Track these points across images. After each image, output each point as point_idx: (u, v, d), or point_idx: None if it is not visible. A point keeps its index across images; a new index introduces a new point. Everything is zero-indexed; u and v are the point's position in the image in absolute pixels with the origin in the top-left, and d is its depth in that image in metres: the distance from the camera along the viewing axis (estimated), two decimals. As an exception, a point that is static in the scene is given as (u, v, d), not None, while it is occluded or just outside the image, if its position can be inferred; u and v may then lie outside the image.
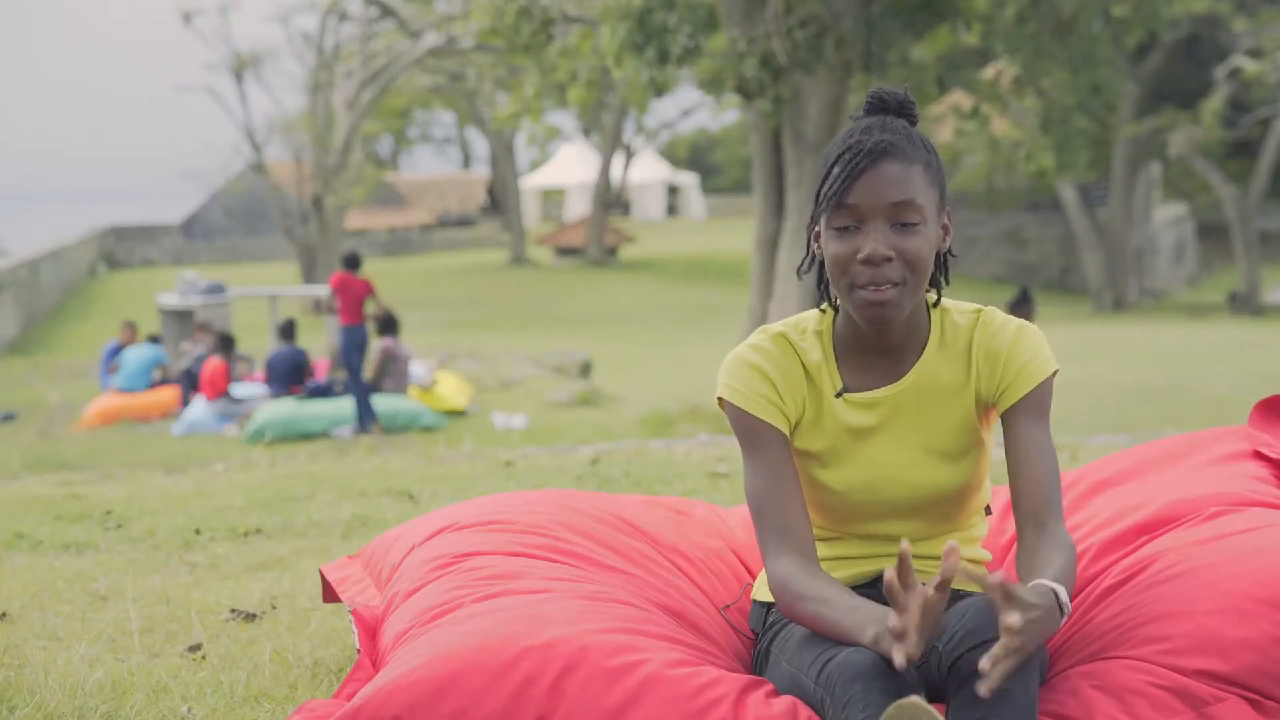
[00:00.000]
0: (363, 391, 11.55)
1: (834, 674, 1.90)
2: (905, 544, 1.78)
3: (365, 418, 11.48)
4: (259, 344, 17.29)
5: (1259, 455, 2.66)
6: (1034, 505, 2.08)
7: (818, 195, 2.10)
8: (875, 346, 2.18)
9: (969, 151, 20.80)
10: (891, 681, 1.85)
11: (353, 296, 11.64)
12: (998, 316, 2.19)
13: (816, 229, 2.14)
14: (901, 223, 2.04)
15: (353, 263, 11.84)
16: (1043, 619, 1.80)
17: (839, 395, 2.19)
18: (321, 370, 13.48)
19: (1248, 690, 1.93)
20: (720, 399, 2.19)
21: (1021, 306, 9.37)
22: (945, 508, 2.23)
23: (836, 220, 2.07)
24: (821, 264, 2.19)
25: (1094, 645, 2.10)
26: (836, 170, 2.06)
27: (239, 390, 12.77)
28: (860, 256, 2.04)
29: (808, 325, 2.23)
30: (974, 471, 2.23)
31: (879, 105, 2.14)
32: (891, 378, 2.19)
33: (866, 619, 1.92)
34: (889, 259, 2.03)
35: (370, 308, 11.88)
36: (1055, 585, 1.90)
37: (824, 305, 2.24)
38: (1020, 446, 2.12)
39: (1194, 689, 1.92)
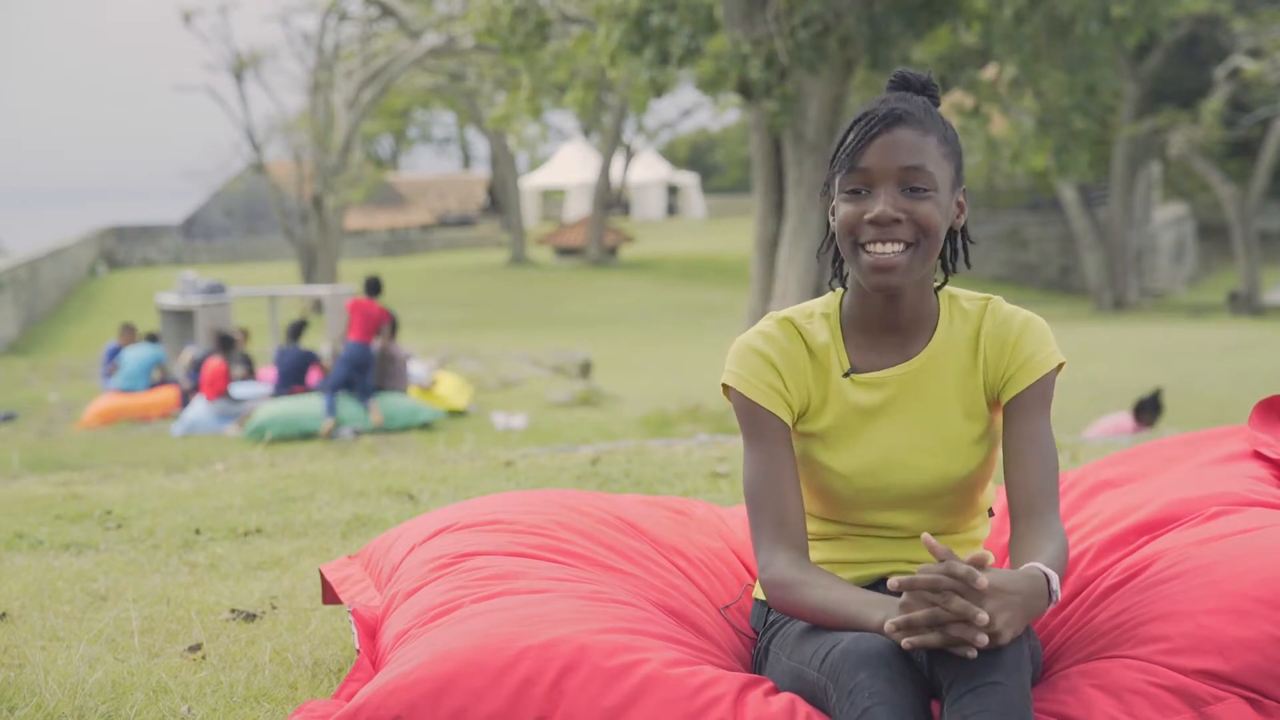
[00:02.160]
0: (330, 390, 11.84)
1: (838, 661, 1.90)
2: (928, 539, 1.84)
3: (330, 410, 11.80)
4: (259, 344, 17.29)
5: (1259, 455, 2.66)
6: (1028, 496, 2.08)
7: (832, 159, 2.11)
8: (883, 325, 2.18)
9: (968, 151, 20.80)
10: (897, 669, 1.85)
11: (366, 319, 11.89)
12: (1005, 305, 2.20)
13: (832, 203, 2.14)
14: (912, 187, 2.04)
15: (373, 288, 12.18)
16: (1021, 604, 1.83)
17: (847, 375, 2.19)
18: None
19: (1248, 690, 1.92)
20: (725, 385, 2.20)
21: (1149, 411, 9.17)
22: (948, 498, 2.23)
23: (848, 183, 2.08)
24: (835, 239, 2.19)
25: (1094, 645, 2.10)
26: (851, 134, 2.08)
27: (239, 390, 12.78)
28: (868, 217, 2.05)
29: (815, 309, 2.24)
30: (980, 463, 2.21)
31: (902, 84, 2.16)
32: (900, 358, 2.19)
33: (874, 606, 1.93)
34: (897, 221, 2.04)
35: (378, 340, 12.08)
36: (1048, 570, 1.91)
37: (833, 281, 2.24)
38: (1019, 438, 2.12)
39: (1194, 688, 1.92)
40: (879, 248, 2.05)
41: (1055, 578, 1.91)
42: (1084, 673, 2.01)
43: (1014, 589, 1.83)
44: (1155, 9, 15.51)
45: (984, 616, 1.77)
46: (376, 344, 12.11)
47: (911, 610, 1.81)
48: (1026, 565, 1.92)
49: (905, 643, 1.81)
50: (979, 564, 1.82)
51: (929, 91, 2.16)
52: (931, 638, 1.80)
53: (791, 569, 2.08)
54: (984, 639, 1.78)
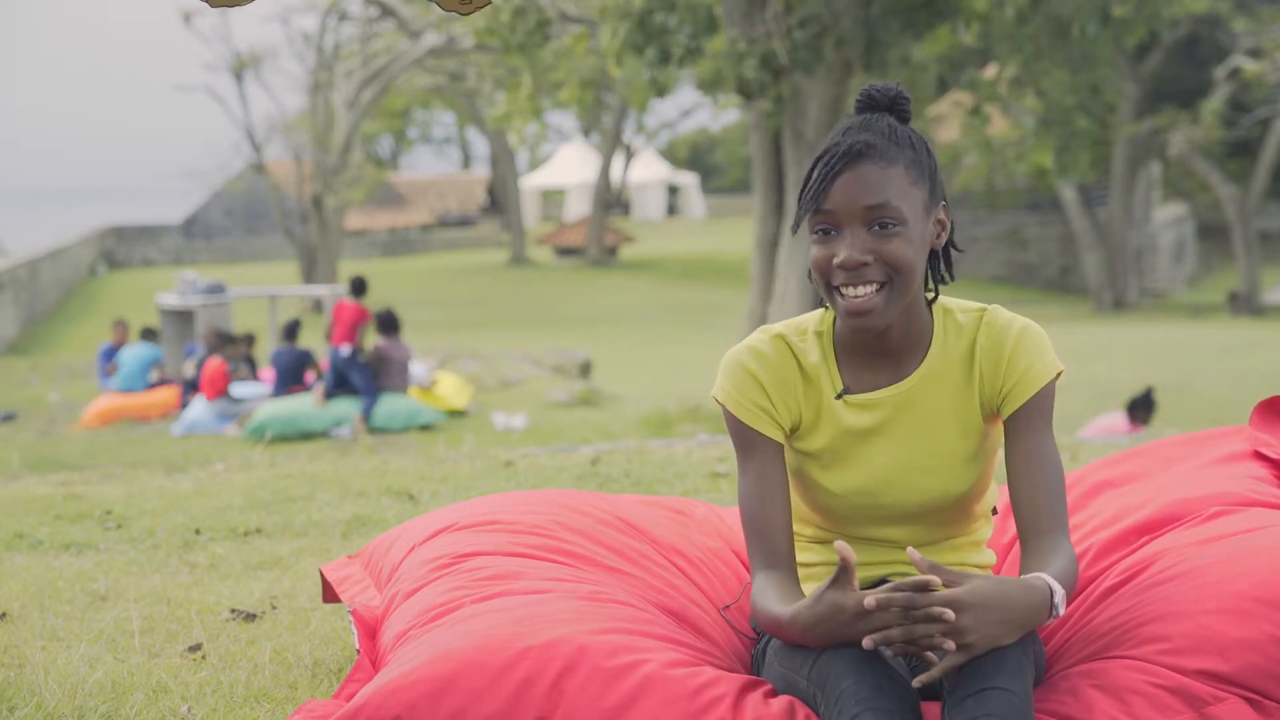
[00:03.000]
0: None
1: (824, 669, 1.90)
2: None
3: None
4: (259, 344, 17.27)
5: (1259, 455, 2.66)
6: (1034, 516, 2.06)
7: (799, 198, 2.09)
8: (876, 347, 2.15)
9: (968, 151, 20.79)
10: (882, 672, 1.85)
11: (339, 322, 12.03)
12: (1001, 316, 2.16)
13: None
14: (880, 224, 2.01)
15: (355, 289, 12.32)
16: (1013, 618, 1.83)
17: (839, 397, 2.17)
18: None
19: (1248, 690, 1.92)
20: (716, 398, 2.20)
21: (1142, 410, 9.20)
22: (947, 513, 2.22)
23: (815, 224, 2.05)
24: None
25: (1094, 645, 2.10)
26: (814, 174, 2.04)
27: (239, 390, 12.78)
28: (836, 262, 2.02)
29: (808, 326, 2.21)
30: (978, 477, 2.20)
31: (869, 103, 2.11)
32: (893, 379, 2.16)
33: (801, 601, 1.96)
34: (865, 263, 2.01)
35: (366, 342, 12.13)
36: (1052, 581, 1.90)
37: (826, 304, 2.23)
38: (1022, 455, 2.09)
39: (1194, 689, 1.92)
40: (851, 290, 2.03)
41: (1060, 592, 1.90)
42: (1084, 673, 2.01)
43: (996, 602, 1.82)
44: (1156, 9, 15.53)
45: (950, 615, 1.77)
46: (358, 345, 12.09)
47: (886, 625, 1.83)
48: (1030, 575, 1.91)
49: (888, 650, 1.83)
50: (926, 586, 1.81)
51: (899, 106, 2.10)
52: (910, 647, 1.82)
53: (764, 593, 2.08)
54: (950, 644, 1.78)
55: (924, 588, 1.80)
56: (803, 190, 2.07)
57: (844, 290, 2.04)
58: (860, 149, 2.01)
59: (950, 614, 1.77)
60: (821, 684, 1.90)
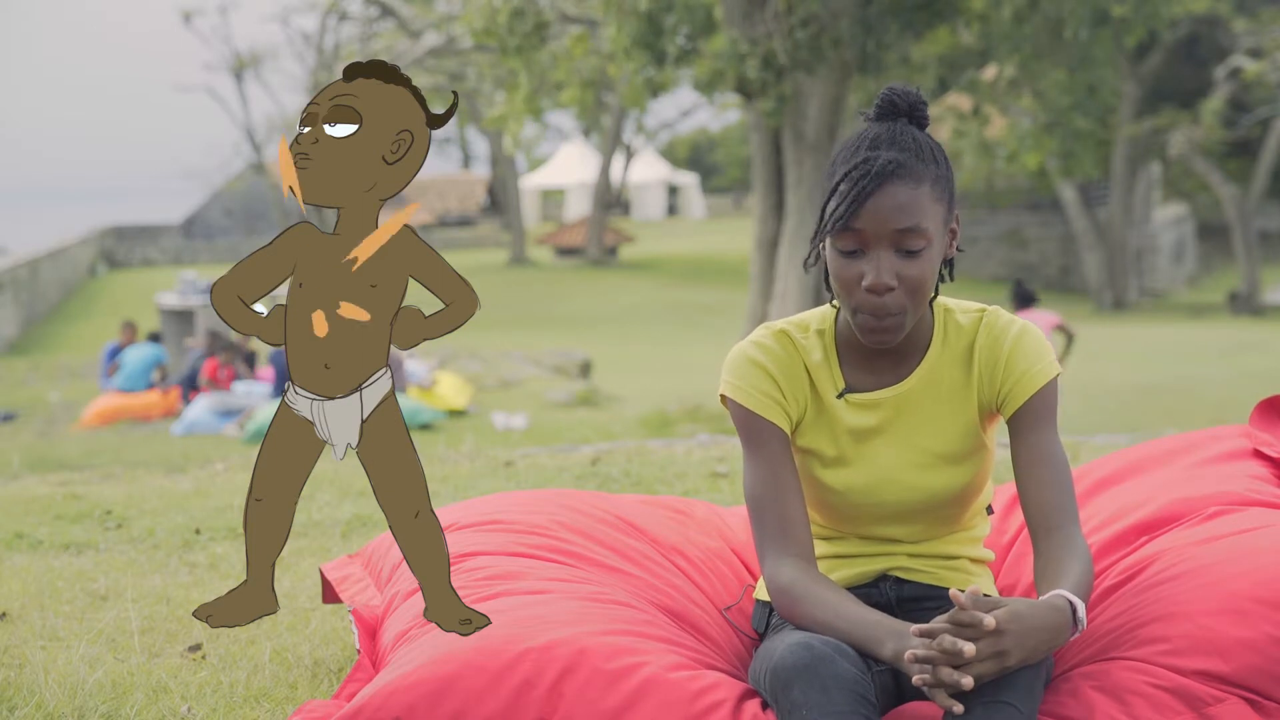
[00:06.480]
0: None
1: (774, 681, 1.89)
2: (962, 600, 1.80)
3: None
4: (258, 344, 17.26)
5: (1259, 454, 2.66)
6: (1045, 514, 2.05)
7: (823, 211, 2.06)
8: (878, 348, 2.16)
9: (963, 153, 20.77)
10: (826, 674, 1.83)
11: None
12: (1001, 318, 2.17)
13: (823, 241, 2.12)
14: (907, 250, 2.01)
15: None
16: (1043, 640, 1.82)
17: (840, 396, 2.18)
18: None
19: (1248, 691, 1.92)
20: (723, 396, 2.18)
21: (1025, 299, 9.42)
22: (946, 510, 2.23)
23: (841, 242, 2.04)
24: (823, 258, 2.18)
25: (1094, 646, 2.10)
26: (843, 188, 2.02)
27: (239, 390, 12.76)
28: (865, 284, 2.02)
29: (810, 324, 2.21)
30: (976, 474, 2.21)
31: (889, 108, 2.08)
32: (894, 379, 2.17)
33: (883, 633, 1.90)
34: (891, 288, 2.01)
35: None
36: (1074, 598, 1.89)
37: (831, 301, 2.22)
38: (1027, 454, 2.09)
39: (1194, 689, 1.92)
40: (875, 314, 2.03)
41: (1081, 606, 1.89)
42: (1085, 674, 2.01)
43: (1032, 625, 1.81)
44: (1155, 9, 15.52)
45: (990, 622, 1.76)
46: None
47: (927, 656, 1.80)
48: (1051, 594, 1.89)
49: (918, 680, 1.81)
50: (972, 614, 1.79)
51: (918, 112, 2.08)
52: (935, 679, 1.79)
53: (799, 580, 2.06)
54: (968, 681, 1.75)
55: (966, 623, 1.78)
56: (825, 206, 2.05)
57: (866, 311, 2.04)
58: (892, 169, 2.00)
59: (991, 621, 1.76)
60: (775, 697, 1.89)
